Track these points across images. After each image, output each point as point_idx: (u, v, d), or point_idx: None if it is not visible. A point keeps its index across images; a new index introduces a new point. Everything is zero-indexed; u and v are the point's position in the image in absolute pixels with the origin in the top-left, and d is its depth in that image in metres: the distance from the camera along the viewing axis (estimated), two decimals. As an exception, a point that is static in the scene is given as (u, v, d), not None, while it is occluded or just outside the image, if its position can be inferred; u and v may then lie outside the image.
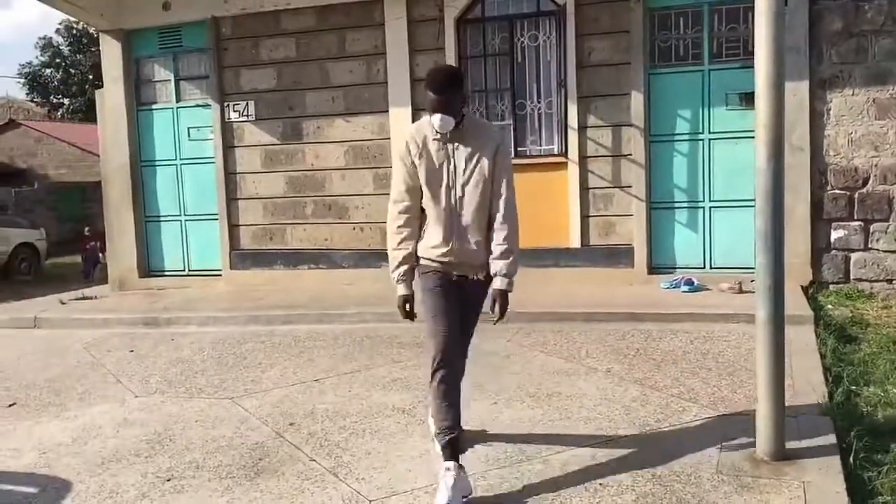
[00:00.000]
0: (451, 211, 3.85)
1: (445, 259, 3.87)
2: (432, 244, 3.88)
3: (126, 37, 10.16)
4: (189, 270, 10.38)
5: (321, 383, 5.78)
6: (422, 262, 3.93)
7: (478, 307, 4.05)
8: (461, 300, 3.92)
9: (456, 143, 3.85)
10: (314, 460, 4.34)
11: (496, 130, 4.13)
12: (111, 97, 10.26)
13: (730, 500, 3.52)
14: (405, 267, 3.91)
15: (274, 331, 7.57)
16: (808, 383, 4.97)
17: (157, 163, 10.36)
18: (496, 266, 3.82)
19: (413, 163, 3.86)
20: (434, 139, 3.85)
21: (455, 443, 3.73)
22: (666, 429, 4.46)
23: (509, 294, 3.84)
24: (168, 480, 4.21)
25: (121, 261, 10.42)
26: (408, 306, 3.92)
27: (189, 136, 10.16)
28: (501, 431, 4.56)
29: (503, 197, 3.84)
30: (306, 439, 4.66)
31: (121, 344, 7.50)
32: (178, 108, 10.21)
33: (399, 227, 3.93)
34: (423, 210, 3.94)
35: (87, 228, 14.87)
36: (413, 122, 9.00)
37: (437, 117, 3.75)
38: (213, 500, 3.93)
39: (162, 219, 10.42)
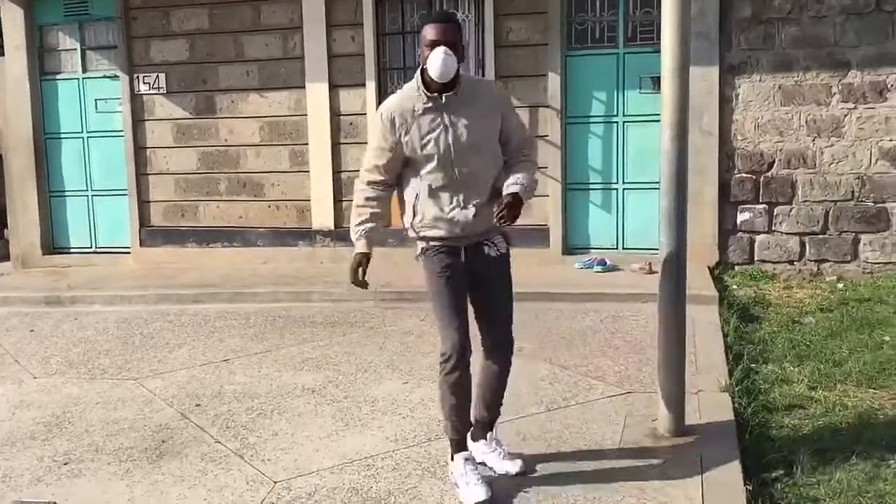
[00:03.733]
0: (453, 180, 3.38)
1: (451, 231, 3.44)
2: (432, 216, 3.44)
3: (29, 3, 9.64)
4: (96, 247, 10.02)
5: (230, 363, 5.67)
6: (423, 241, 3.50)
7: (502, 279, 3.62)
8: (478, 279, 3.55)
9: (452, 113, 3.33)
10: (219, 442, 4.26)
11: (499, 89, 3.46)
12: (13, 66, 9.77)
13: (630, 473, 3.60)
14: (370, 225, 3.47)
15: (184, 310, 7.38)
16: (709, 361, 5.11)
17: (63, 135, 9.93)
18: (513, 178, 3.39)
19: (398, 141, 3.38)
20: (425, 106, 3.33)
21: (462, 439, 3.63)
22: (573, 406, 4.53)
23: (521, 203, 3.34)
24: (65, 464, 4.08)
25: (23, 237, 9.99)
26: (361, 269, 3.45)
27: (96, 108, 9.77)
28: (411, 412, 4.57)
29: (521, 149, 3.50)
30: (212, 420, 4.57)
31: (20, 323, 7.21)
32: (84, 78, 9.80)
33: (367, 195, 3.49)
34: (397, 186, 3.55)
35: None
36: (329, 98, 8.88)
37: (438, 53, 3.14)
38: (112, 484, 3.82)
39: (67, 194, 10.01)
